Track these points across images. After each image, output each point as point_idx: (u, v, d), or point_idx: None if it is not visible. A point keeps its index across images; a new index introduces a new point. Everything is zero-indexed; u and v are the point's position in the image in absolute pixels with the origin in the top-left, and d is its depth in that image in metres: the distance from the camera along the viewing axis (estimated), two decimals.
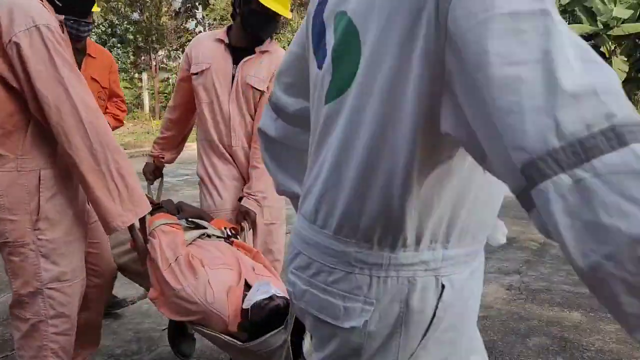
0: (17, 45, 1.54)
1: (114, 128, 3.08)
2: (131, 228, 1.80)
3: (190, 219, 2.19)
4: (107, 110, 3.09)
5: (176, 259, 1.86)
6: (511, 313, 3.21)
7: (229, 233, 2.21)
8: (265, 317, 1.73)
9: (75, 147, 1.60)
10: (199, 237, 2.09)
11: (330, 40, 0.88)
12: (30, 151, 1.65)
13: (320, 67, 0.91)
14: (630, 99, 13.54)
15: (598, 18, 15.69)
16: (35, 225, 1.68)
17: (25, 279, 1.70)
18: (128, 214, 1.71)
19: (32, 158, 1.66)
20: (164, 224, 1.99)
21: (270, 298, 1.77)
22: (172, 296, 1.81)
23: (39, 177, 1.68)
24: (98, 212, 1.69)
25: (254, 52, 2.41)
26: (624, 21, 15.19)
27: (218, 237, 2.16)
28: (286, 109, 1.14)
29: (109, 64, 3.09)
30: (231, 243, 2.15)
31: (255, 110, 2.44)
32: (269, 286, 1.84)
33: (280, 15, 2.34)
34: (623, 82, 14.90)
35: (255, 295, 1.79)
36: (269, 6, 2.25)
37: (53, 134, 1.64)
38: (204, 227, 2.16)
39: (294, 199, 1.21)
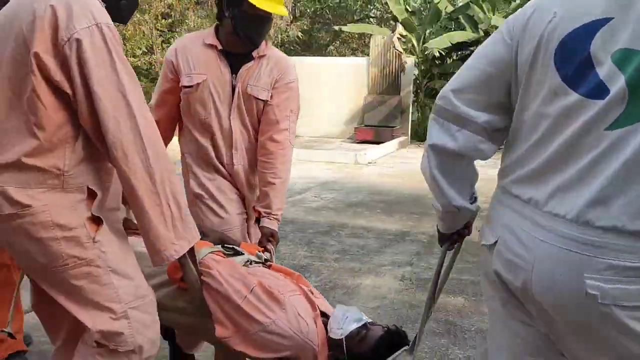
0: (79, 42, 1.32)
1: None
2: (181, 258, 1.55)
3: (224, 245, 1.94)
4: None
5: (251, 290, 1.67)
6: (403, 302, 3.43)
7: (266, 257, 2.04)
8: (372, 348, 1.65)
9: (132, 164, 1.39)
10: (243, 264, 1.88)
11: (610, 74, 1.06)
12: (76, 166, 1.43)
13: (589, 95, 1.09)
14: None
15: (479, 26, 16.98)
16: (95, 237, 1.44)
17: (102, 305, 1.44)
18: (182, 242, 1.48)
19: (78, 174, 1.44)
20: (210, 252, 1.77)
21: (365, 326, 1.70)
22: (260, 331, 1.64)
23: (86, 193, 1.45)
24: (148, 239, 1.46)
25: (250, 57, 2.19)
26: None
27: (256, 262, 1.96)
28: (475, 119, 1.26)
29: None
30: (269, 267, 1.97)
31: (259, 122, 2.22)
32: (359, 313, 1.76)
33: (273, 14, 2.11)
34: None
35: (347, 324, 1.69)
36: (262, 7, 2.02)
37: (101, 149, 1.43)
38: (242, 253, 1.93)
39: (456, 211, 1.38)
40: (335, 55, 18.47)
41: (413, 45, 16.77)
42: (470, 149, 1.29)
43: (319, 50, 19.56)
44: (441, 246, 1.59)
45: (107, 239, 1.47)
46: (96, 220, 1.45)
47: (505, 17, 16.94)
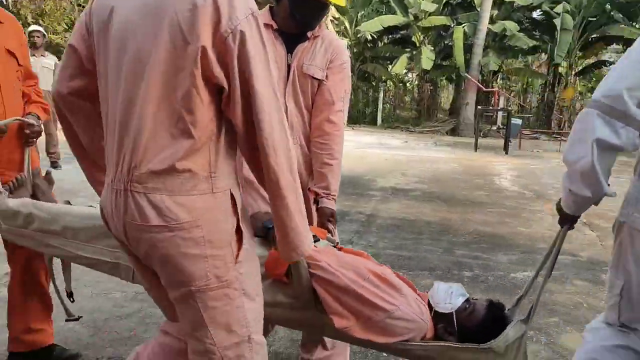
0: (242, 35, 1.22)
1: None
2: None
3: None
4: (31, 100, 2.21)
5: (367, 279, 1.65)
6: None
7: (337, 240, 1.99)
8: (480, 321, 1.71)
9: (280, 161, 1.30)
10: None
11: None
12: (221, 166, 1.33)
13: None
14: (436, 84, 15.33)
15: (409, 10, 17.38)
16: (237, 258, 1.36)
17: (230, 327, 1.37)
18: (309, 236, 1.42)
19: (223, 175, 1.34)
20: None
21: (468, 300, 1.75)
22: (385, 318, 1.63)
23: (232, 198, 1.35)
24: (286, 236, 1.37)
25: (304, 37, 2.14)
26: (430, 14, 17.07)
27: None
28: (637, 117, 1.37)
29: (19, 32, 2.20)
30: (339, 250, 1.93)
31: (313, 103, 2.17)
32: (462, 288, 1.79)
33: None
34: (431, 69, 16.79)
35: (454, 298, 1.74)
36: None
37: (244, 146, 1.35)
38: (318, 239, 1.85)
39: (598, 198, 1.50)
40: None
41: (346, 27, 16.94)
42: (629, 144, 1.40)
43: None
44: (562, 227, 1.72)
45: (245, 258, 1.41)
46: (239, 237, 1.38)
47: (434, 1, 17.45)
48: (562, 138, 15.10)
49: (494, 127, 16.25)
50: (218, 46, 1.22)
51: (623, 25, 15.67)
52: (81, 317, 2.16)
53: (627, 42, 16.37)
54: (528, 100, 21.85)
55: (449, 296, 1.75)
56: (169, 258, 1.30)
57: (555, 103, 17.38)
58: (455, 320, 1.70)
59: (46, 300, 2.20)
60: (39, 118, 2.09)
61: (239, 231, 1.37)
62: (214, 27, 1.21)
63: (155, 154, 1.26)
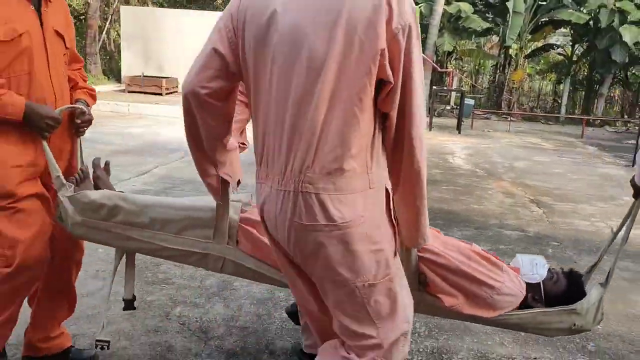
0: (410, 30, 1.21)
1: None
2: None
3: None
4: (78, 85, 2.03)
5: (471, 258, 1.74)
6: None
7: None
8: (565, 288, 1.84)
9: (424, 152, 1.32)
10: None
11: None
12: (375, 162, 1.32)
13: None
14: None
15: None
16: (396, 250, 1.38)
17: (394, 323, 1.38)
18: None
19: (378, 171, 1.33)
20: None
21: (550, 270, 1.88)
22: (493, 294, 1.74)
23: (387, 193, 1.35)
24: (419, 224, 1.40)
25: None
26: None
27: None
28: None
29: (66, 11, 1.96)
30: None
31: None
32: (543, 259, 1.92)
33: None
34: None
35: (539, 269, 1.87)
36: None
37: (389, 140, 1.33)
38: None
39: None
40: (221, 10, 17.86)
41: None
42: None
43: (206, 3, 18.76)
44: (635, 199, 1.90)
45: (398, 253, 1.44)
46: (394, 232, 1.40)
47: None
48: (512, 119, 15.61)
49: (448, 107, 16.61)
50: (390, 42, 1.22)
51: (571, 10, 16.20)
52: (109, 341, 1.99)
53: (574, 26, 17.00)
54: (479, 81, 22.41)
55: (535, 267, 1.89)
56: (335, 256, 1.31)
57: (506, 84, 17.89)
58: (542, 289, 1.85)
59: (72, 300, 2.09)
60: (87, 105, 1.96)
61: (393, 225, 1.39)
62: (387, 23, 1.21)
63: (328, 153, 1.27)
